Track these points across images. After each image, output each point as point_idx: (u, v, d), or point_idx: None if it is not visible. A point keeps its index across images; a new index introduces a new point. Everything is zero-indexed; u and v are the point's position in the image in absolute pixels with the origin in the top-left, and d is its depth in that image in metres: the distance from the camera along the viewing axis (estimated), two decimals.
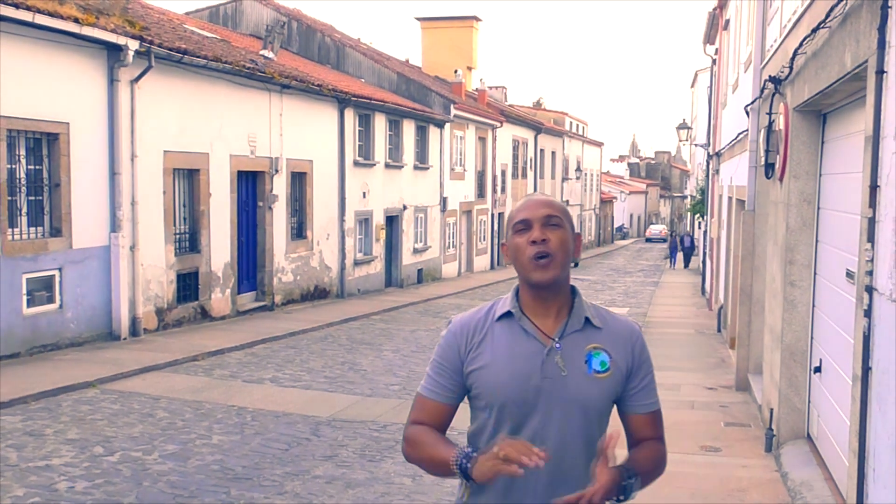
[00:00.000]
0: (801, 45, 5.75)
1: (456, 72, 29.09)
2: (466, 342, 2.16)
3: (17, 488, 5.79)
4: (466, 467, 1.99)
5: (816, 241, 6.37)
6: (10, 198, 10.30)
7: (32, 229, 10.74)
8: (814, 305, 6.39)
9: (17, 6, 9.69)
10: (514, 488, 2.07)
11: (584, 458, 2.09)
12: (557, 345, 2.10)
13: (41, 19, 10.07)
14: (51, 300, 10.87)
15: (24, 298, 10.41)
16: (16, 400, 8.16)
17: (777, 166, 7.00)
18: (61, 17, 10.42)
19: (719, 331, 14.86)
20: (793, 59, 6.14)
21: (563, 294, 2.16)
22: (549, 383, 2.08)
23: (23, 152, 10.59)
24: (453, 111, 25.11)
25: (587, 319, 2.15)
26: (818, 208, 6.34)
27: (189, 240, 13.90)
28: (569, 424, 2.08)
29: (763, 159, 7.52)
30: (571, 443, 2.09)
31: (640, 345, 2.21)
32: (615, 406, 2.21)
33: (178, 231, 13.55)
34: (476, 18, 31.60)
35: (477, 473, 1.95)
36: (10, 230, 10.28)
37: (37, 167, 10.84)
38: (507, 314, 2.15)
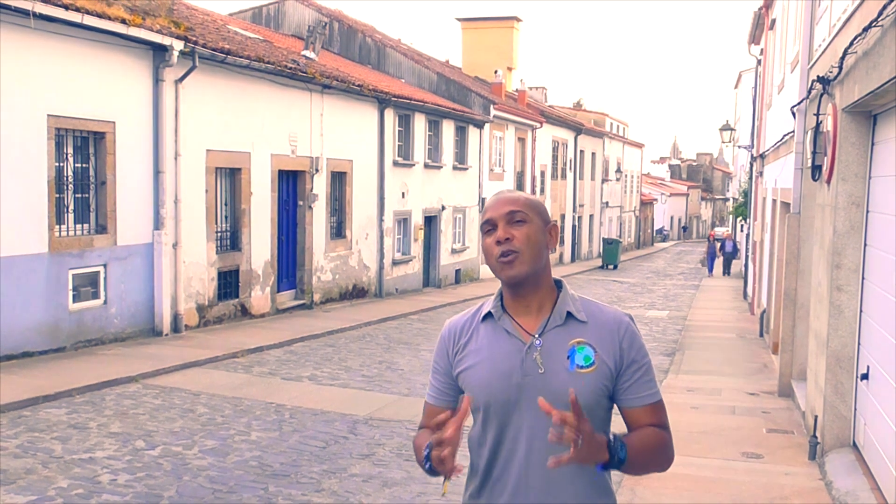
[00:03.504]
0: (851, 44, 5.62)
1: (496, 72, 29.03)
2: (454, 344, 2.17)
3: (61, 480, 5.90)
4: (429, 465, 1.99)
5: (865, 244, 6.22)
6: (57, 195, 10.52)
7: (79, 226, 10.95)
8: (861, 311, 6.24)
9: (66, 7, 9.89)
10: (509, 489, 2.06)
11: None
12: (538, 341, 2.06)
13: (90, 20, 10.27)
14: (96, 296, 11.08)
15: (70, 294, 10.63)
16: (61, 393, 8.34)
17: (824, 168, 6.85)
18: (109, 18, 10.61)
19: (762, 335, 14.61)
20: (842, 58, 6.00)
21: (543, 290, 2.11)
22: (530, 381, 2.04)
23: (70, 151, 10.81)
24: (493, 112, 25.07)
25: (570, 314, 2.09)
26: (867, 211, 6.19)
27: (230, 238, 14.07)
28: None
29: (810, 161, 7.37)
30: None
31: (630, 336, 2.10)
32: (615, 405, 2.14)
33: (219, 229, 13.72)
34: (517, 19, 31.53)
35: (436, 467, 1.95)
36: (57, 227, 10.50)
37: (83, 165, 11.06)
38: (490, 314, 2.14)
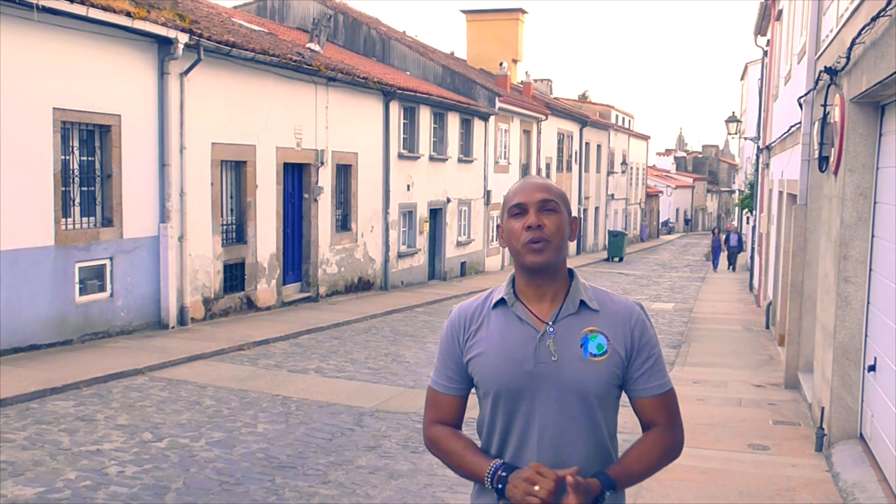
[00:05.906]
0: (859, 34, 5.59)
1: (501, 64, 28.94)
2: (464, 331, 2.16)
3: (69, 471, 5.93)
4: (501, 487, 2.00)
5: (872, 236, 6.20)
6: (63, 188, 10.53)
7: (85, 219, 10.97)
8: (868, 302, 6.22)
9: (71, 0, 9.88)
10: None
11: (587, 445, 2.07)
12: (551, 329, 2.07)
13: (95, 13, 10.26)
14: (102, 289, 11.10)
15: (77, 287, 10.66)
16: (69, 385, 8.37)
17: (831, 159, 6.82)
18: (114, 11, 10.60)
19: (768, 327, 14.59)
20: (850, 49, 5.97)
21: (558, 278, 2.12)
22: (543, 368, 2.05)
23: (76, 144, 10.82)
24: (498, 104, 25.02)
25: (583, 302, 2.10)
26: (874, 202, 6.17)
27: (236, 231, 14.08)
28: (567, 410, 2.04)
29: (817, 152, 7.34)
30: (571, 429, 2.05)
31: (641, 325, 2.12)
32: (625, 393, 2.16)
33: (225, 222, 13.73)
34: (522, 11, 31.40)
35: (510, 495, 1.97)
36: (63, 220, 10.52)
37: (89, 158, 11.08)
38: (502, 301, 2.14)
